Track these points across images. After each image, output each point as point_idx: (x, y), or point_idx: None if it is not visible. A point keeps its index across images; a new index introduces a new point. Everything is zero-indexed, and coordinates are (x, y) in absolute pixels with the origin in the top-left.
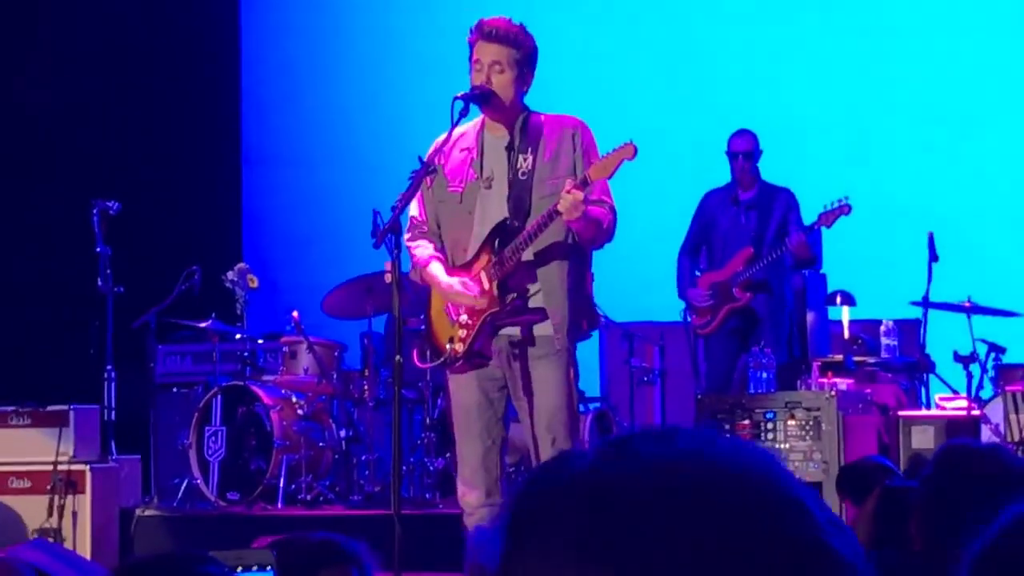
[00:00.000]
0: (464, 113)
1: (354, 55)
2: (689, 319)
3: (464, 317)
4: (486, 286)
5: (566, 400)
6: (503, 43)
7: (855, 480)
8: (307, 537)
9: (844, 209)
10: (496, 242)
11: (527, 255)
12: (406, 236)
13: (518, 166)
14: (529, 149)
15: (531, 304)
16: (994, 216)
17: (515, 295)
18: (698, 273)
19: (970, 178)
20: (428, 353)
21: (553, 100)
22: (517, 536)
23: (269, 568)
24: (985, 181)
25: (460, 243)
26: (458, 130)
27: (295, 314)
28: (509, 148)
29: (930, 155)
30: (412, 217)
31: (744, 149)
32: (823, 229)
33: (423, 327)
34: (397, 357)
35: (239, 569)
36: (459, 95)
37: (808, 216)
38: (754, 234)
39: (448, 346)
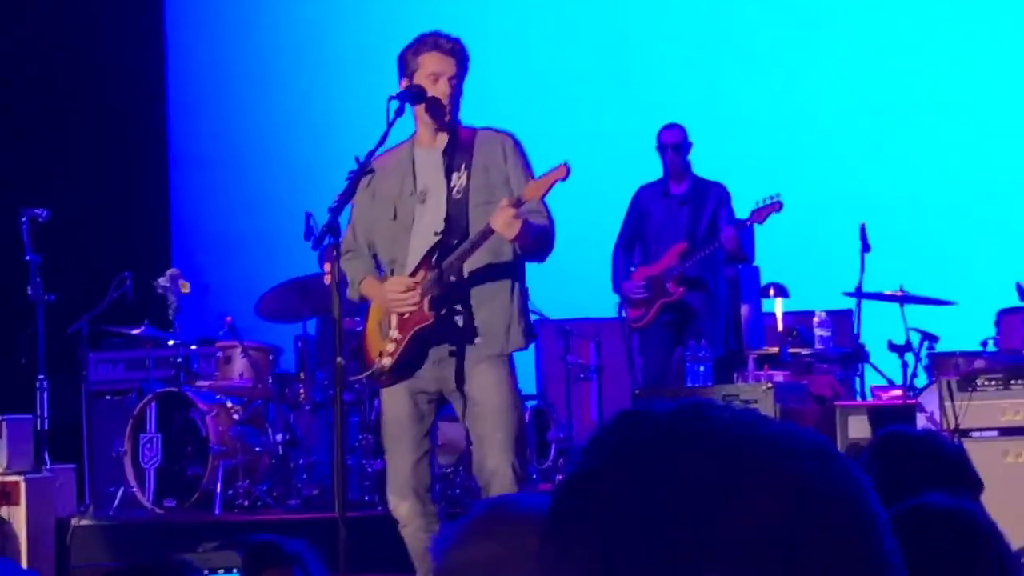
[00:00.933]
0: (399, 113)
1: (285, 54)
2: (624, 313)
3: (395, 332)
4: (420, 302)
5: (509, 398)
6: (448, 54)
7: None
8: (248, 540)
9: (775, 206)
10: (434, 259)
11: (465, 271)
12: (341, 259)
13: (452, 184)
14: (463, 165)
15: (466, 319)
16: (925, 206)
17: (447, 310)
18: (633, 268)
19: (901, 168)
20: (358, 366)
21: (487, 97)
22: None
23: (235, 570)
24: (916, 171)
25: (397, 259)
26: (389, 144)
27: (228, 318)
28: (443, 162)
29: (861, 146)
30: (346, 239)
31: (673, 142)
32: (755, 224)
33: (357, 340)
34: (338, 359)
35: (205, 572)
36: (394, 94)
37: (741, 210)
38: (687, 228)
39: (377, 360)
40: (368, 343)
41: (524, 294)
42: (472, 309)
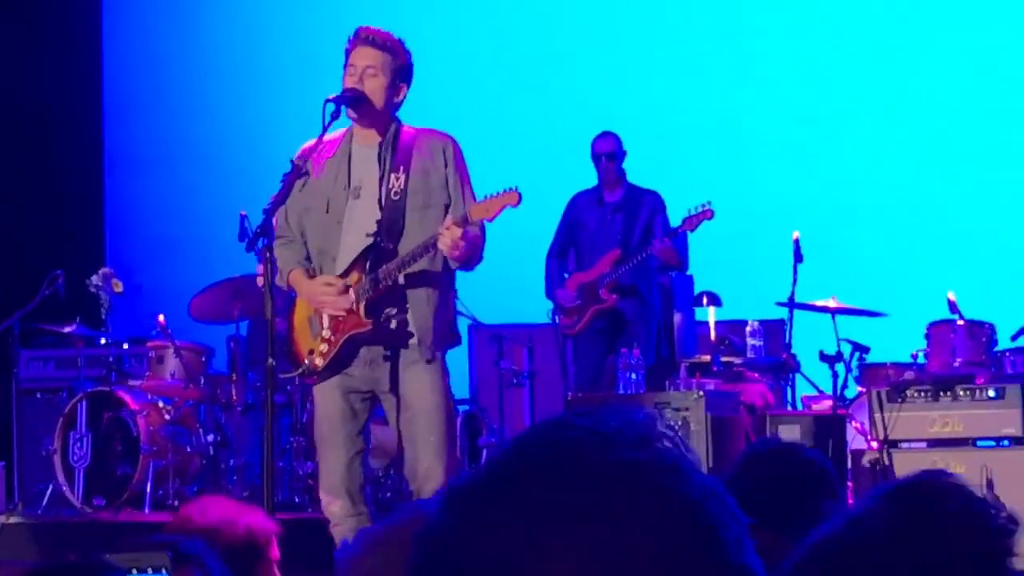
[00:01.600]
0: (335, 116)
1: (221, 54)
2: (557, 320)
3: (328, 332)
4: (354, 306)
5: (442, 401)
6: (380, 48)
7: None
8: (144, 542)
9: (707, 214)
10: (368, 262)
11: (400, 278)
12: (275, 242)
13: (390, 185)
14: (401, 167)
15: (399, 324)
16: (858, 217)
17: (383, 317)
18: (566, 275)
19: (834, 179)
20: (287, 363)
21: (423, 104)
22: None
23: (163, 570)
24: (849, 182)
25: (328, 252)
26: (327, 137)
27: (161, 318)
28: (380, 160)
29: (794, 156)
30: (279, 224)
31: (607, 151)
32: (688, 232)
33: (286, 336)
34: (269, 360)
35: (134, 571)
36: (331, 97)
37: (675, 218)
38: (621, 236)
39: (307, 358)
40: (297, 339)
41: (453, 300)
42: (403, 314)
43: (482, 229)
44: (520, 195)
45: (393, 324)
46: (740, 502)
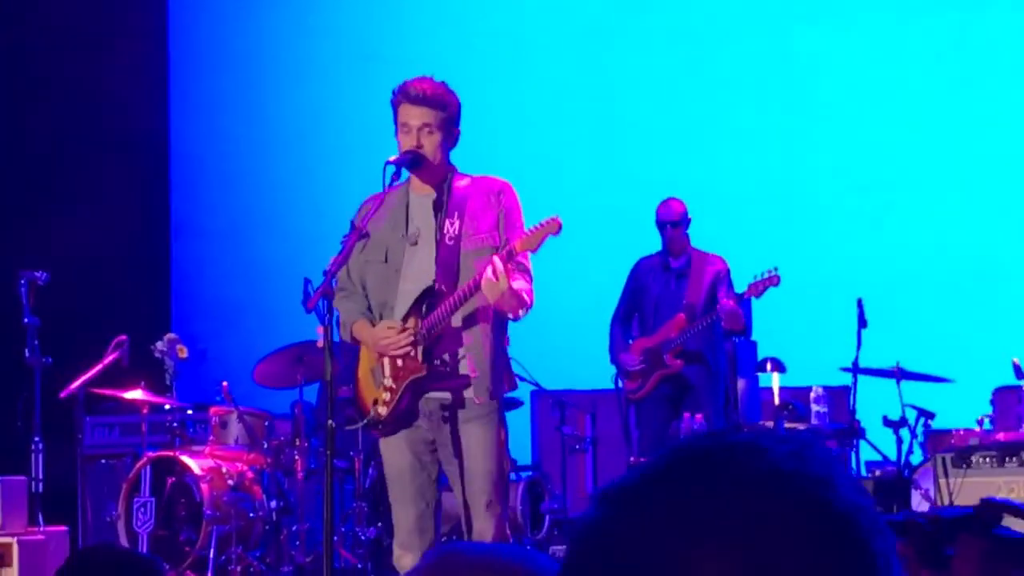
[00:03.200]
0: (396, 177)
1: (282, 123)
2: (621, 384)
3: (389, 380)
4: (412, 352)
5: (496, 463)
6: (429, 105)
7: None
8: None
9: (773, 280)
10: (424, 307)
11: (455, 320)
12: (336, 295)
13: (445, 231)
14: (456, 213)
15: (458, 368)
16: (923, 281)
17: (440, 361)
18: (631, 340)
19: (899, 244)
20: (353, 414)
21: (481, 166)
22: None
23: None
24: (914, 246)
25: (388, 302)
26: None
27: (225, 384)
28: (436, 208)
29: (859, 221)
30: (340, 278)
31: (671, 219)
32: (752, 298)
33: (351, 388)
34: (329, 422)
35: None
36: (391, 159)
37: (739, 282)
38: (685, 301)
39: (372, 408)
40: (362, 390)
41: (506, 343)
42: (459, 358)
43: (529, 276)
44: (560, 223)
45: (448, 370)
46: None
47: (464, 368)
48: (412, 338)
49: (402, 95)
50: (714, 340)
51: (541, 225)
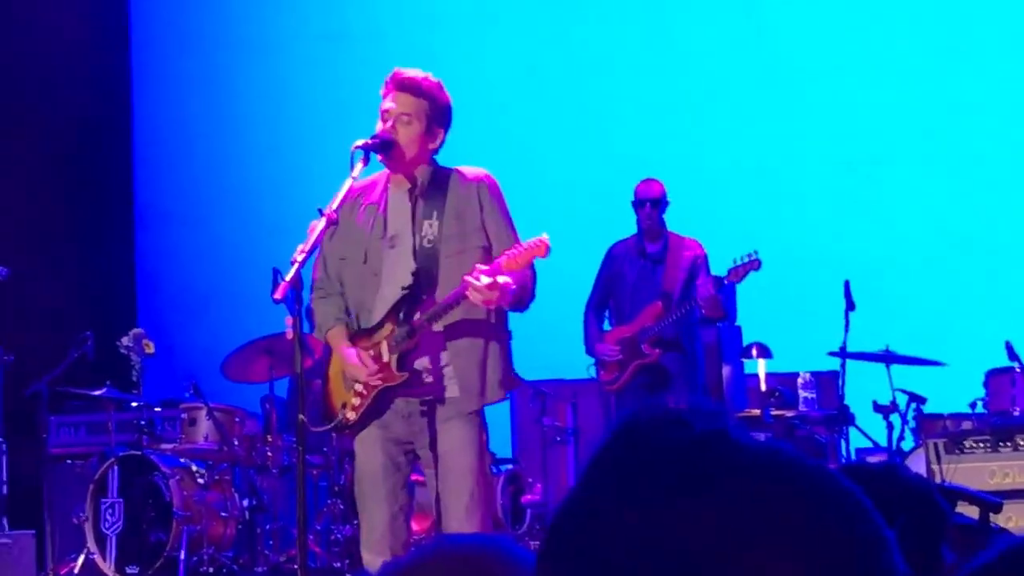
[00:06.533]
0: (364, 162)
1: (249, 109)
2: (598, 375)
3: (359, 385)
4: (385, 358)
5: (477, 461)
6: (413, 93)
7: None
8: None
9: (754, 264)
10: (401, 314)
11: (437, 327)
12: (311, 296)
13: (423, 232)
14: (435, 213)
15: (442, 376)
16: (912, 262)
17: (420, 369)
18: (607, 329)
19: (886, 224)
20: (320, 416)
21: (454, 150)
22: None
23: None
24: (902, 227)
25: (365, 304)
26: (364, 181)
27: (193, 381)
28: (413, 208)
29: (844, 201)
30: (316, 277)
31: (652, 196)
32: (735, 284)
33: (319, 389)
34: (300, 416)
35: None
36: (358, 143)
37: (719, 267)
38: (662, 288)
39: (340, 412)
40: (331, 391)
41: (504, 343)
42: (443, 363)
43: (532, 271)
44: (548, 245)
45: (428, 377)
46: None
47: (449, 376)
48: (379, 383)
49: (390, 82)
50: (692, 327)
51: (528, 248)
